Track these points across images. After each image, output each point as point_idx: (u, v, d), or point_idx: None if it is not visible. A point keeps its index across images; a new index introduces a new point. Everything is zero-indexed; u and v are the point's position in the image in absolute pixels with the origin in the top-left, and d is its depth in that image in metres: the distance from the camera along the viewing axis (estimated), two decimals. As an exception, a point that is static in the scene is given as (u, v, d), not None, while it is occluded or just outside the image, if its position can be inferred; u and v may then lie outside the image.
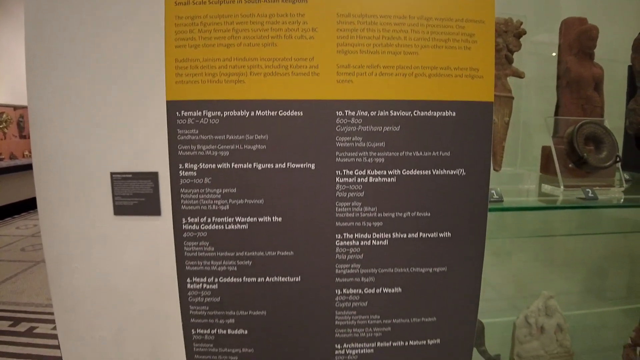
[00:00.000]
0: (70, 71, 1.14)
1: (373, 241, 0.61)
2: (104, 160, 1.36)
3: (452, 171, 0.61)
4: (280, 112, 0.58)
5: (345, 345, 0.64)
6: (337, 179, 0.60)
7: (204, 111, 0.59)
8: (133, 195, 1.44)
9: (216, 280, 0.62)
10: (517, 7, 1.05)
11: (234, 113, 0.59)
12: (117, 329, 1.45)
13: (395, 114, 0.59)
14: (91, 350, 1.47)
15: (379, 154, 0.60)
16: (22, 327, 2.04)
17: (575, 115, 0.98)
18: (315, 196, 0.60)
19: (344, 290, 0.62)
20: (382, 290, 0.63)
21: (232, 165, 0.59)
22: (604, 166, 0.84)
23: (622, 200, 0.82)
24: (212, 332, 0.63)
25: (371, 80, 0.59)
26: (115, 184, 1.43)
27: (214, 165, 0.59)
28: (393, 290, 0.63)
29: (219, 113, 0.59)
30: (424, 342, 0.65)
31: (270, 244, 0.61)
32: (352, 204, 0.60)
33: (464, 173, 0.61)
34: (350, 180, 0.60)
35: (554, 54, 1.09)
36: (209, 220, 0.61)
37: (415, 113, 0.60)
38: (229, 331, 0.63)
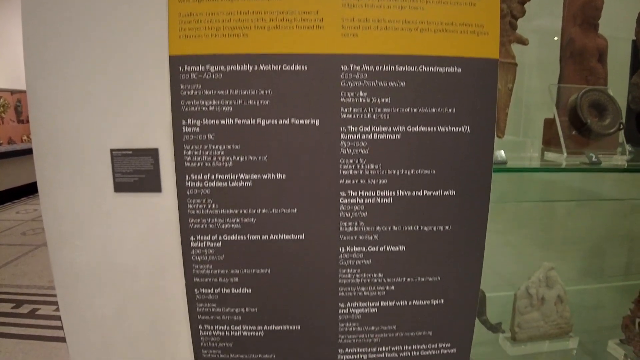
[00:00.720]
0: (69, 47, 1.13)
1: (377, 199, 0.61)
2: (103, 137, 1.35)
3: (457, 128, 0.61)
4: (284, 66, 0.58)
5: (349, 303, 0.64)
6: (341, 136, 0.59)
7: (207, 66, 0.58)
8: (133, 172, 1.44)
9: (220, 238, 0.62)
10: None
11: (237, 67, 0.58)
12: (119, 306, 1.45)
13: (400, 69, 0.59)
14: (93, 327, 1.47)
15: (384, 110, 0.59)
16: (25, 309, 2.05)
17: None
18: (319, 153, 0.59)
19: (348, 248, 0.62)
20: (386, 249, 0.63)
21: (236, 121, 0.59)
22: (608, 133, 0.83)
23: (625, 166, 0.82)
24: (216, 291, 0.63)
25: (376, 35, 0.58)
26: (115, 160, 1.43)
27: (217, 121, 0.59)
28: (397, 248, 0.63)
29: (222, 67, 0.58)
30: (428, 301, 0.65)
31: (274, 201, 0.60)
32: (357, 161, 0.60)
33: (469, 130, 0.61)
34: (355, 136, 0.59)
35: (555, 38, 1.08)
36: (213, 177, 0.60)
37: (421, 68, 0.59)
38: (233, 290, 0.63)
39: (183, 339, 0.68)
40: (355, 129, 0.59)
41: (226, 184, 0.60)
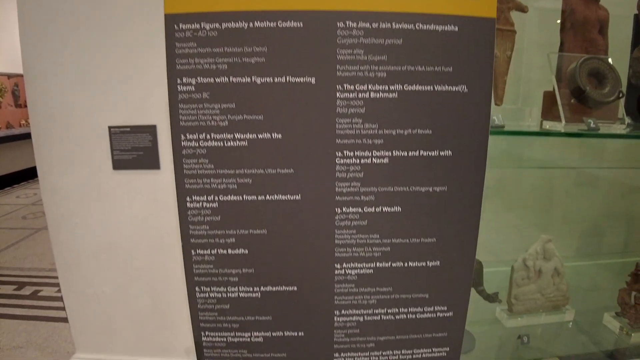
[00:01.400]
0: (64, 26, 1.12)
1: (373, 159, 0.61)
2: (101, 115, 1.34)
3: (454, 87, 0.60)
4: (280, 23, 0.57)
5: (345, 264, 0.64)
6: (337, 94, 0.59)
7: (202, 23, 0.58)
8: (132, 149, 1.44)
9: (216, 198, 0.62)
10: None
11: (232, 25, 0.57)
12: (120, 284, 1.46)
13: (397, 26, 0.58)
14: (94, 305, 1.48)
15: (380, 68, 0.59)
16: (27, 291, 2.06)
17: (579, 57, 0.96)
18: (315, 112, 0.59)
19: (344, 209, 0.62)
20: (382, 209, 0.63)
21: (231, 79, 0.58)
22: (607, 101, 0.83)
23: (624, 132, 0.81)
24: (213, 252, 0.64)
25: (373, -9, 0.57)
26: (114, 138, 1.42)
27: (212, 79, 0.58)
28: (393, 209, 0.63)
29: (217, 25, 0.57)
30: (424, 263, 0.66)
31: (270, 161, 0.60)
32: (353, 121, 0.60)
33: (465, 90, 0.60)
34: (351, 95, 0.59)
35: (558, 22, 1.07)
36: (208, 136, 0.60)
37: (418, 26, 0.58)
38: (229, 251, 0.63)
39: (183, 314, 0.68)
40: (352, 87, 0.59)
41: (222, 144, 0.60)
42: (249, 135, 0.60)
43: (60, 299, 1.45)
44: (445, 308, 0.68)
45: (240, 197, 0.61)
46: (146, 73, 1.33)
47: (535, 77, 1.02)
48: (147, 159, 1.40)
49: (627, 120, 0.92)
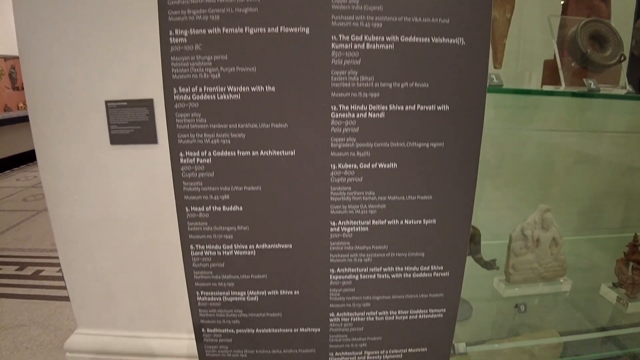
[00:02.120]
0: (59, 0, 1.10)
1: (369, 113, 0.60)
2: (98, 89, 1.33)
3: (451, 40, 0.59)
4: (273, -29, 0.56)
5: (340, 222, 0.64)
6: (332, 45, 0.58)
7: (193, -27, 0.56)
8: (129, 123, 1.43)
9: (209, 154, 0.61)
10: None
11: (224, -27, 0.56)
12: (119, 259, 1.46)
13: (393, -26, 0.56)
14: (94, 280, 1.49)
15: (376, 19, 0.57)
16: (28, 271, 2.08)
17: (581, 24, 0.94)
18: (309, 64, 0.58)
19: (339, 165, 0.61)
20: (377, 166, 0.62)
21: (223, 30, 0.57)
22: (608, 64, 0.81)
23: (626, 92, 0.80)
24: (207, 209, 0.63)
25: (369, -63, 0.56)
26: (111, 112, 1.41)
27: (204, 31, 0.57)
28: (389, 165, 0.62)
29: (208, -26, 0.56)
30: (420, 221, 0.65)
31: (263, 115, 0.59)
32: (348, 73, 0.58)
33: (463, 42, 0.59)
34: (347, 46, 0.58)
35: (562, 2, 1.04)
36: (200, 89, 0.59)
37: (414, -25, 0.57)
38: (224, 208, 0.63)
39: (184, 289, 0.67)
40: (347, 38, 0.57)
41: (214, 97, 0.59)
42: (241, 88, 0.59)
43: (62, 278, 1.46)
44: (442, 268, 0.68)
45: (234, 153, 0.61)
46: (143, 47, 1.32)
47: (536, 41, 1.01)
48: (145, 134, 1.39)
49: (629, 88, 0.90)
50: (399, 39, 0.58)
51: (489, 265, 0.96)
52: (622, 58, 0.82)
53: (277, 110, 0.59)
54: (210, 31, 0.57)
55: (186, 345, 1.47)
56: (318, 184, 0.62)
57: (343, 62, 0.58)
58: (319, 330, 0.69)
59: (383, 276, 0.67)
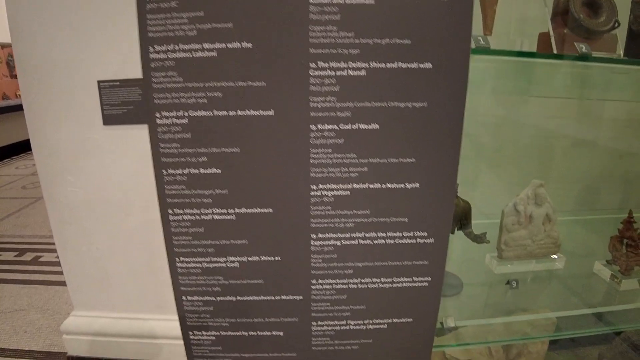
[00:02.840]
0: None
1: (349, 71, 0.58)
2: (90, 69, 1.32)
3: (434, -7, 0.57)
4: None
5: (320, 185, 0.62)
6: None
7: None
8: (121, 103, 1.42)
9: (186, 114, 0.59)
10: None
11: None
12: (114, 241, 1.46)
13: None
14: (90, 262, 1.49)
15: (355, -29, 0.55)
16: (28, 257, 2.09)
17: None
18: (287, 19, 0.56)
19: (319, 126, 0.60)
20: (358, 127, 0.60)
21: (199, -16, 0.55)
22: (602, 30, 0.79)
23: (620, 56, 0.78)
24: (184, 172, 0.62)
25: None
26: (103, 92, 1.40)
27: (179, -15, 0.55)
28: (370, 126, 0.60)
29: None
30: (403, 185, 0.63)
31: (240, 73, 0.58)
32: (327, 28, 0.56)
33: (446, -3, 0.57)
34: (325, 0, 0.56)
35: None
36: (176, 47, 0.57)
37: None
38: (202, 170, 0.61)
39: None
40: (325, -9, 0.55)
41: (190, 55, 0.57)
42: (217, 45, 0.57)
43: (60, 264, 1.46)
44: (426, 234, 0.66)
45: (211, 113, 0.59)
46: (135, 26, 1.30)
47: (529, 9, 0.98)
48: (137, 114, 1.38)
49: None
50: (380, -8, 0.56)
51: (479, 238, 0.94)
52: (617, 24, 0.80)
53: (254, 68, 0.58)
54: (185, -14, 0.56)
55: (181, 327, 1.46)
56: (297, 146, 0.60)
57: (322, 17, 0.56)
58: (301, 297, 0.68)
59: (365, 242, 0.65)
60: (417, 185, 0.63)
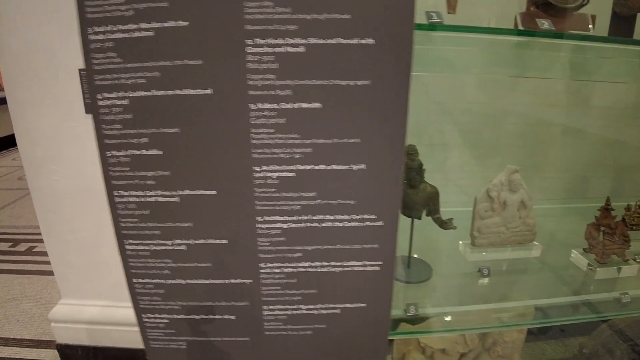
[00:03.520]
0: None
1: (288, 47, 0.56)
2: (72, 57, 1.32)
3: (373, -35, 0.55)
4: None
5: (264, 167, 0.61)
6: (244, -26, 0.54)
7: None
8: (101, 92, 1.41)
9: (126, 95, 0.59)
10: None
11: None
12: (99, 229, 1.47)
13: None
14: (76, 251, 1.51)
15: (290, -57, 0.54)
16: (22, 247, 2.13)
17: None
18: (222, -5, 0.55)
19: (259, 105, 0.58)
20: (300, 106, 0.59)
21: (132, -38, 0.54)
22: (570, 7, 0.75)
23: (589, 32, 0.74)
24: (127, 153, 0.61)
25: None
26: (85, 81, 1.41)
27: (113, -36, 0.55)
28: (312, 105, 0.59)
29: None
30: (349, 166, 0.62)
31: (177, 51, 0.57)
32: (263, 4, 0.55)
33: (387, -31, 0.55)
34: (260, -25, 0.54)
35: None
36: (114, 28, 0.57)
37: None
38: (144, 152, 0.61)
39: None
40: (259, -35, 0.54)
41: (128, 35, 0.57)
42: (154, 25, 0.56)
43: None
44: (375, 217, 0.64)
45: (150, 93, 0.58)
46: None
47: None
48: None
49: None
50: (316, -35, 0.54)
51: (445, 224, 0.92)
52: (585, 1, 0.76)
53: (190, 46, 0.57)
54: (119, -37, 0.55)
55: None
56: (237, 126, 0.59)
57: (257, -8, 0.55)
58: (251, 281, 0.67)
59: (313, 225, 0.64)
60: (364, 166, 0.62)
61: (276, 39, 0.56)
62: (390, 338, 1.00)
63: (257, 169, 0.61)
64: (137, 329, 1.62)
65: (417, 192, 0.87)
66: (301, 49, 0.57)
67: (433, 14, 0.66)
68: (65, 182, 1.39)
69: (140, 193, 0.63)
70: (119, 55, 0.58)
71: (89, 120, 1.36)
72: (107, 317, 1.50)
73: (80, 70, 1.29)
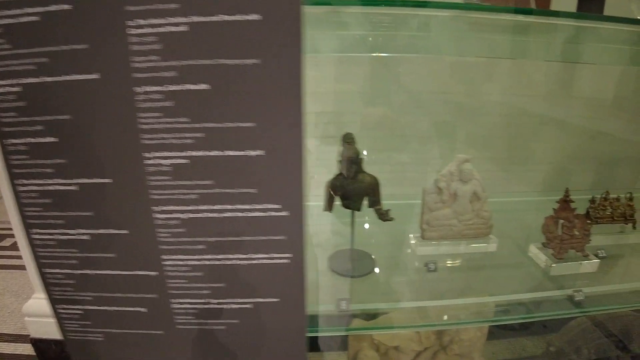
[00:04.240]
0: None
1: (170, 27, 0.54)
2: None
3: None
4: None
5: (155, 153, 0.59)
6: (119, -49, 0.52)
7: None
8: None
9: (18, 82, 0.58)
10: None
11: None
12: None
13: None
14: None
15: None
16: (7, 242, 2.20)
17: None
18: (99, -25, 0.53)
19: (145, 88, 0.56)
20: (187, 88, 0.56)
21: (12, -55, 0.53)
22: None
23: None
24: (25, 141, 0.61)
25: None
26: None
27: (-5, -52, 0.54)
28: (200, 87, 0.56)
29: None
30: (245, 152, 0.58)
31: (63, 36, 0.55)
32: (140, -18, 0.53)
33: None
34: (135, -49, 0.52)
35: None
36: (2, 14, 0.56)
37: None
38: (39, 139, 0.60)
39: None
40: (133, -60, 0.52)
41: (15, 20, 0.56)
42: (39, 9, 0.55)
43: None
44: (279, 206, 0.61)
45: (40, 79, 0.57)
46: None
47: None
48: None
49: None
50: (191, -62, 0.51)
51: (383, 216, 0.86)
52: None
53: (75, 30, 0.55)
54: (0, -53, 0.54)
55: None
56: (125, 110, 0.57)
57: (133, -30, 0.52)
58: (156, 274, 0.65)
59: (213, 215, 0.61)
60: (262, 152, 0.58)
61: (157, 18, 0.54)
62: (344, 334, 0.96)
63: (148, 155, 0.59)
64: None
65: (354, 183, 0.82)
66: (184, 28, 0.54)
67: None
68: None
69: (40, 181, 0.62)
70: (9, 41, 0.57)
71: None
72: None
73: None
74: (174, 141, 0.58)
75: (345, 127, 1.32)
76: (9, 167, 0.62)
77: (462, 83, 1.28)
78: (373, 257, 0.88)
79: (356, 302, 0.75)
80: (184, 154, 0.58)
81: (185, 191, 0.60)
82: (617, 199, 0.95)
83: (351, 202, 0.83)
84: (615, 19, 0.86)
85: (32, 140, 0.60)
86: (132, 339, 0.70)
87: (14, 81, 0.58)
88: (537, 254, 0.89)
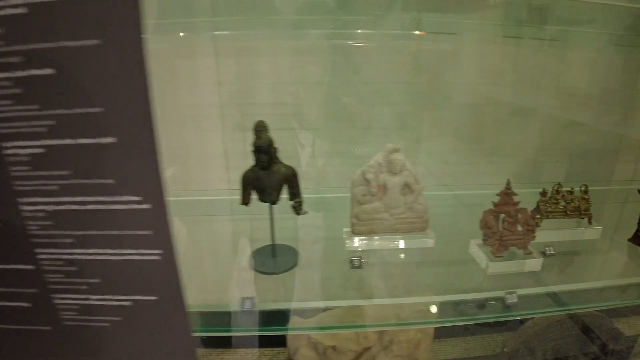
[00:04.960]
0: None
1: (8, 9, 0.51)
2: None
3: None
4: None
5: (10, 143, 0.56)
6: None
7: None
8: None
9: None
10: None
11: None
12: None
13: None
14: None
15: None
16: None
17: None
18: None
19: (-12, 74, 0.54)
20: (32, 73, 0.53)
21: None
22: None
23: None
24: None
25: None
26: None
27: None
28: (44, 71, 0.53)
29: None
30: (96, 140, 0.55)
31: None
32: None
33: None
34: None
35: None
36: None
37: None
38: None
39: None
40: None
41: None
42: None
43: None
44: (140, 199, 0.57)
45: None
46: None
47: None
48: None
49: None
50: None
51: (296, 209, 0.79)
52: None
53: None
54: None
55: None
56: (-25, 99, 0.55)
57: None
58: (33, 267, 0.63)
59: (76, 207, 0.58)
60: (114, 140, 0.54)
61: (-5, 0, 0.51)
62: (281, 333, 0.91)
63: (6, 145, 0.56)
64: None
65: (268, 174, 0.76)
66: (22, 10, 0.51)
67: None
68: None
69: None
70: None
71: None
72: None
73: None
74: (27, 130, 0.55)
75: (302, 118, 1.26)
76: None
77: (422, 73, 1.18)
78: (299, 252, 0.82)
79: (264, 301, 0.70)
80: (39, 142, 0.56)
81: (46, 182, 0.58)
82: (571, 192, 0.83)
83: (265, 195, 0.77)
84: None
85: None
86: (23, 335, 0.69)
87: None
88: (477, 251, 0.78)
